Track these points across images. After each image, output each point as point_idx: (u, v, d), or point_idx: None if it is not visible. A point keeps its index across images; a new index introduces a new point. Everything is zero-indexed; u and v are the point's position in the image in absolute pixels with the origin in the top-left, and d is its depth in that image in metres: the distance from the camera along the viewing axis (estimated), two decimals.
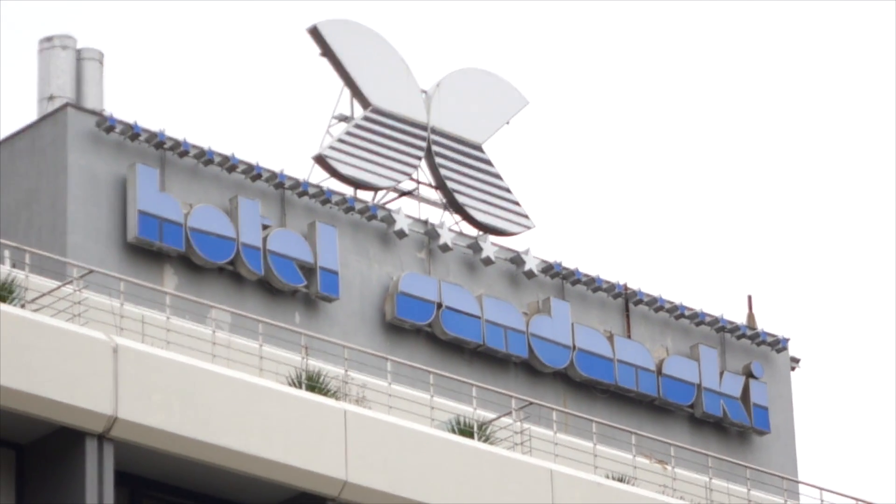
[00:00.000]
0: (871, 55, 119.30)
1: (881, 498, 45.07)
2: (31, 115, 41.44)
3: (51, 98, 41.29)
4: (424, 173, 44.43)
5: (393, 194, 43.91)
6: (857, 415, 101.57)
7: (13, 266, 35.70)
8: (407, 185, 44.14)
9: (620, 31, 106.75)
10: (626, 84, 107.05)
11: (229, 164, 41.05)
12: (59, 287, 35.34)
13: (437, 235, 43.07)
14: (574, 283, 44.54)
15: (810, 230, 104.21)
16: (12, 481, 34.17)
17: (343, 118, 43.39)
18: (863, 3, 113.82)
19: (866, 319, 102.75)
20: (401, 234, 42.65)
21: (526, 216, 45.60)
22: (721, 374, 45.52)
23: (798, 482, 44.92)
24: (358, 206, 42.31)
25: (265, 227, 40.84)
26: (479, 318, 42.96)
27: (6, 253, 36.33)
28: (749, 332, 46.33)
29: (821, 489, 43.00)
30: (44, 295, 34.85)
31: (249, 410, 34.73)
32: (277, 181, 41.60)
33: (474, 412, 38.72)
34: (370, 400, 37.66)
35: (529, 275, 44.25)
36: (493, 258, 43.54)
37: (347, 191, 42.86)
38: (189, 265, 40.34)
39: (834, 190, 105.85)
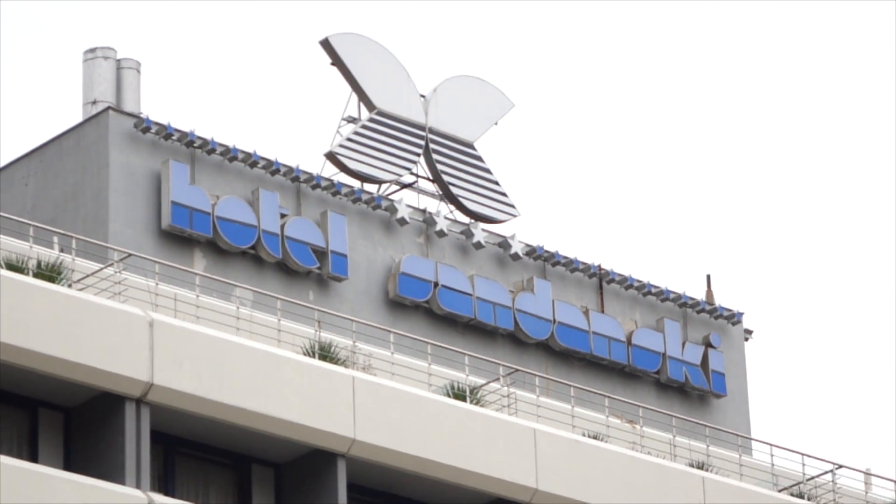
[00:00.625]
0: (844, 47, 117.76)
1: (826, 453, 43.50)
2: (77, 118, 41.38)
3: (94, 102, 41.06)
4: (423, 168, 44.38)
5: (395, 187, 43.87)
6: (804, 379, 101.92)
7: (61, 251, 35.63)
8: (407, 178, 44.06)
9: (592, 31, 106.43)
10: (601, 85, 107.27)
11: (251, 160, 41.12)
12: (101, 269, 35.35)
13: (434, 223, 43.11)
14: (554, 264, 44.55)
15: (763, 216, 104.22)
16: (60, 440, 34.17)
17: (351, 120, 43.26)
18: (863, 4, 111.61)
19: (813, 295, 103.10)
20: (402, 222, 42.72)
21: (512, 205, 45.60)
22: (683, 344, 45.55)
23: (751, 439, 44.61)
24: (364, 197, 42.34)
25: (283, 216, 40.87)
26: (470, 295, 42.96)
27: (55, 239, 36.27)
28: (708, 308, 46.50)
29: (771, 445, 43.18)
30: (88, 276, 34.95)
31: (269, 377, 34.84)
32: (293, 175, 41.60)
33: (466, 378, 38.69)
34: (375, 367, 37.64)
35: (515, 257, 44.29)
36: (483, 243, 43.64)
37: (355, 184, 42.80)
38: (216, 249, 40.38)
39: (784, 179, 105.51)
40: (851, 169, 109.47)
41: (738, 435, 44.24)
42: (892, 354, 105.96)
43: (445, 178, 44.06)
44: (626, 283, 45.39)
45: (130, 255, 36.22)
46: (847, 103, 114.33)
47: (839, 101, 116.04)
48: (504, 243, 44.11)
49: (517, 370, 39.97)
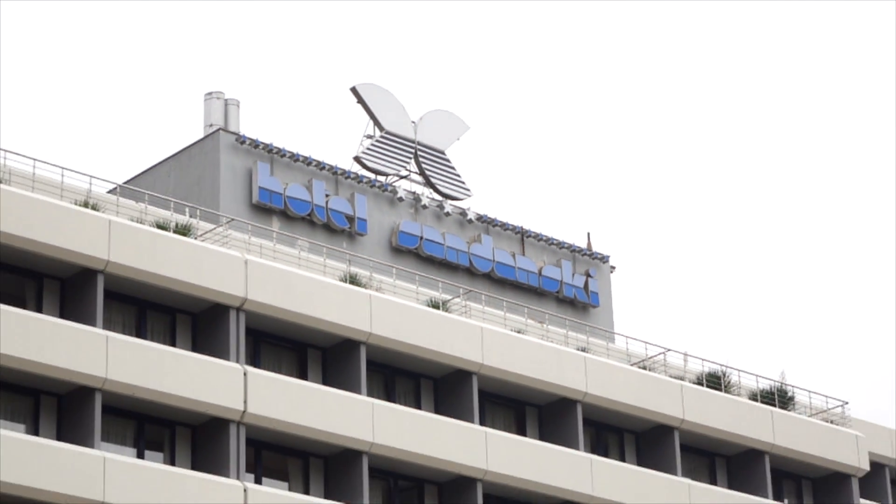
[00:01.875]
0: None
1: (661, 341, 45.34)
2: (199, 135, 41.38)
3: (211, 125, 41.00)
4: (413, 166, 43.97)
5: (395, 177, 43.46)
6: (650, 294, 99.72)
7: (190, 217, 35.45)
8: (403, 172, 43.68)
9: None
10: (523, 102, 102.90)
11: (307, 160, 40.75)
12: (214, 228, 35.39)
13: (420, 200, 42.76)
14: (494, 226, 44.06)
15: (628, 184, 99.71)
16: (189, 336, 33.78)
17: (369, 136, 42.77)
18: (863, 4, 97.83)
19: (658, 240, 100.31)
20: (400, 200, 42.45)
21: (468, 189, 44.90)
22: (573, 275, 45.03)
23: (614, 333, 44.95)
24: (377, 184, 42.04)
25: (326, 196, 40.56)
26: (442, 244, 42.58)
27: (186, 209, 35.78)
28: (588, 252, 45.90)
29: (626, 337, 43.15)
30: (206, 232, 34.98)
31: (320, 294, 34.63)
32: (333, 171, 41.07)
33: (440, 295, 38.72)
34: (384, 289, 37.56)
35: (469, 221, 43.92)
36: (450, 212, 43.32)
37: (371, 176, 42.48)
38: (286, 216, 39.88)
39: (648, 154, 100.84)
40: (680, 122, 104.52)
41: (605, 330, 44.37)
42: (710, 282, 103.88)
43: (427, 172, 43.75)
44: (538, 237, 44.84)
45: (233, 219, 36.40)
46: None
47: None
48: (463, 213, 43.75)
49: (471, 291, 40.11)
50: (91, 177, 34.66)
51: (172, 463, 32.22)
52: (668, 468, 39.66)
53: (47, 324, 30.06)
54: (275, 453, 34.39)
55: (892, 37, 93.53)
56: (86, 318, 30.71)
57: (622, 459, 40.00)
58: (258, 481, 32.65)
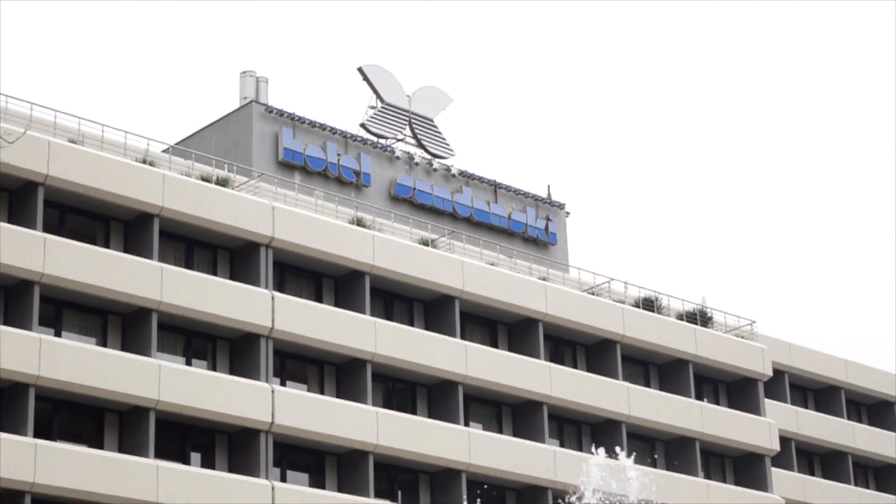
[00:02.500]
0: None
1: (611, 272, 41.83)
2: (235, 105, 40.90)
3: (245, 98, 40.71)
4: (408, 131, 43.40)
5: (393, 140, 42.96)
6: (600, 236, 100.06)
7: (228, 171, 35.55)
8: (400, 136, 43.21)
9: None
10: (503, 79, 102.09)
11: (323, 126, 40.24)
12: (247, 181, 35.43)
13: (413, 158, 42.49)
14: (472, 179, 43.67)
15: (583, 141, 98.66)
16: (227, 267, 33.99)
17: (372, 107, 42.39)
18: (863, 4, 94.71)
19: (606, 189, 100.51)
20: (397, 158, 42.15)
21: (451, 149, 44.42)
22: (536, 219, 44.63)
23: (568, 266, 44.38)
24: (378, 145, 41.70)
25: (338, 155, 40.24)
26: (431, 194, 42.34)
27: (225, 166, 35.85)
28: (548, 200, 45.44)
29: (578, 269, 43.03)
30: (241, 184, 34.98)
31: (333, 234, 34.77)
32: (343, 134, 40.61)
33: (429, 235, 38.62)
34: (384, 230, 37.60)
35: (453, 176, 43.43)
36: (437, 168, 43.00)
37: (374, 139, 41.99)
38: (305, 171, 39.53)
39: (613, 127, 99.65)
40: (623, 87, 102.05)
41: (560, 263, 44.22)
42: (647, 224, 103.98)
43: (419, 135, 43.29)
44: (508, 188, 44.32)
45: (262, 174, 36.33)
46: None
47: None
48: (447, 169, 43.31)
49: (454, 232, 40.23)
50: (148, 139, 34.77)
51: (214, 368, 32.60)
52: (612, 374, 39.76)
53: (113, 257, 30.46)
54: (297, 362, 34.59)
55: (892, 37, 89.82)
56: (144, 252, 31.03)
57: (575, 367, 40.18)
58: (283, 384, 33.02)
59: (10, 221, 29.36)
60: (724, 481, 43.14)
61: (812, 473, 48.74)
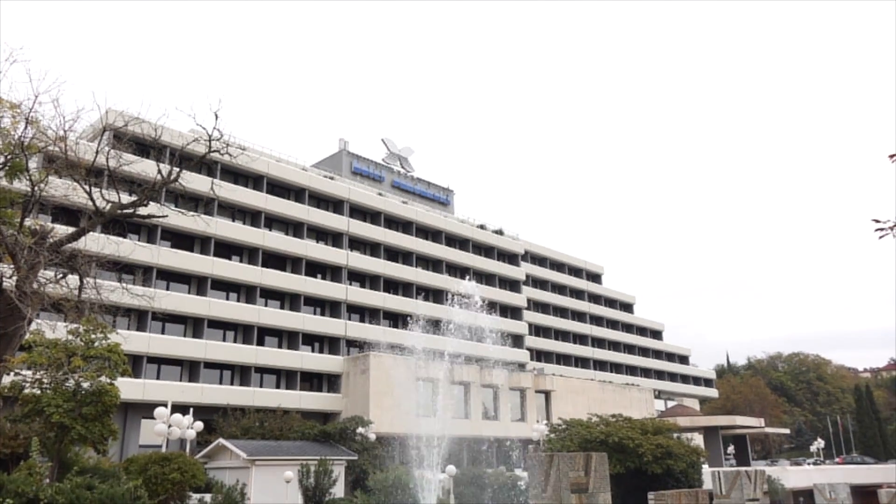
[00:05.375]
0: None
1: (497, 222, 57.40)
2: (334, 150, 49.23)
3: (344, 146, 47.79)
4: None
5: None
6: (490, 198, 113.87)
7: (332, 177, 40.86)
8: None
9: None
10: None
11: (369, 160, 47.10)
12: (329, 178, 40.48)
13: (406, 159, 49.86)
14: (414, 181, 49.15)
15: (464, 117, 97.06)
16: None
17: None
18: (863, 4, 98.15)
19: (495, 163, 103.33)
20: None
21: (411, 151, 51.16)
22: (443, 189, 52.61)
23: (469, 223, 50.03)
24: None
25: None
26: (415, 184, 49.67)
27: (322, 172, 37.99)
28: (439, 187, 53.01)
29: (473, 226, 50.99)
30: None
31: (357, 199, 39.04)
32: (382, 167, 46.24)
33: (413, 207, 43.24)
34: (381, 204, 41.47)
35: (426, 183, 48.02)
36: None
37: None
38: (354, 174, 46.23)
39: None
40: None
41: (465, 221, 51.02)
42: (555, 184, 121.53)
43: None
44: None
45: (334, 177, 43.14)
46: None
47: None
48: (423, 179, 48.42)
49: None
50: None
51: None
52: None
53: None
54: None
55: (892, 37, 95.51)
56: None
57: None
58: None
59: None
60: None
61: None
